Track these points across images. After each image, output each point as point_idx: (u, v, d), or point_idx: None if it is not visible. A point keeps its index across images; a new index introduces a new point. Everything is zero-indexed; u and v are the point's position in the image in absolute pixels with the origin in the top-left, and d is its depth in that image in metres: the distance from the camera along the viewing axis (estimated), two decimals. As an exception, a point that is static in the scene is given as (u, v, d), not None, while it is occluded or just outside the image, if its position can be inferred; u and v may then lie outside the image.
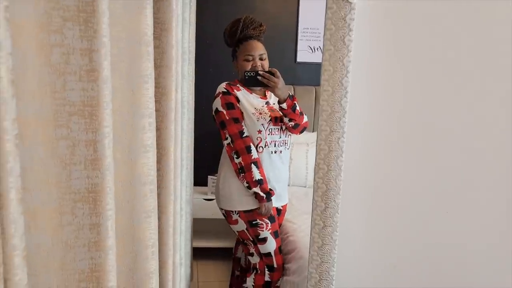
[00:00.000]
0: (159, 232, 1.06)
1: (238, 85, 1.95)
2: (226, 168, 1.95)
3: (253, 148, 1.85)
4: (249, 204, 1.90)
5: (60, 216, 0.72)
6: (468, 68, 1.24)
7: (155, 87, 1.03)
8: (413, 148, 1.26)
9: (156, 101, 1.04)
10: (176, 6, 1.05)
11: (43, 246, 0.70)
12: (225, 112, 1.85)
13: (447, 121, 1.26)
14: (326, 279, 1.21)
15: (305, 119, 1.94)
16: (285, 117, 1.86)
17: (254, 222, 1.92)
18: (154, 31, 1.00)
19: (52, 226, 0.71)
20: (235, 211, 1.93)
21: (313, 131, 3.50)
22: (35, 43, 0.65)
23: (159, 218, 1.06)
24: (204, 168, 3.09)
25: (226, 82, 1.93)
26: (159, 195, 1.05)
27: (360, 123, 1.20)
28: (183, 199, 1.41)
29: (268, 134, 1.89)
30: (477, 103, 1.26)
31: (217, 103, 1.87)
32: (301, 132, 1.97)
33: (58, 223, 0.72)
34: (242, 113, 1.87)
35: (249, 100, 1.91)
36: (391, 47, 1.19)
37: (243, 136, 1.84)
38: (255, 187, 1.83)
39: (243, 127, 1.85)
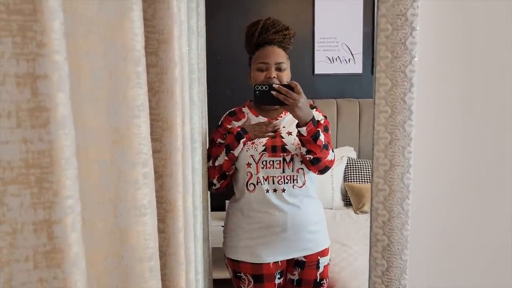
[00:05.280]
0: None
1: (243, 110, 1.63)
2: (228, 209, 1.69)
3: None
4: (236, 254, 1.60)
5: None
6: None
7: (154, 120, 0.76)
8: (494, 179, 0.96)
9: (156, 140, 0.76)
10: (178, 10, 0.78)
11: None
12: None
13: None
14: None
15: (331, 156, 1.48)
16: (303, 146, 1.43)
17: (238, 274, 1.62)
18: (148, 43, 0.73)
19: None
20: (226, 256, 1.66)
21: (336, 147, 3.22)
22: None
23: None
24: (221, 192, 2.79)
25: (232, 109, 1.65)
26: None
27: (430, 153, 0.90)
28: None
29: (262, 168, 1.49)
30: None
31: None
32: (322, 172, 1.51)
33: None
34: (221, 148, 1.56)
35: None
36: (466, 49, 0.90)
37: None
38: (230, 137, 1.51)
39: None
